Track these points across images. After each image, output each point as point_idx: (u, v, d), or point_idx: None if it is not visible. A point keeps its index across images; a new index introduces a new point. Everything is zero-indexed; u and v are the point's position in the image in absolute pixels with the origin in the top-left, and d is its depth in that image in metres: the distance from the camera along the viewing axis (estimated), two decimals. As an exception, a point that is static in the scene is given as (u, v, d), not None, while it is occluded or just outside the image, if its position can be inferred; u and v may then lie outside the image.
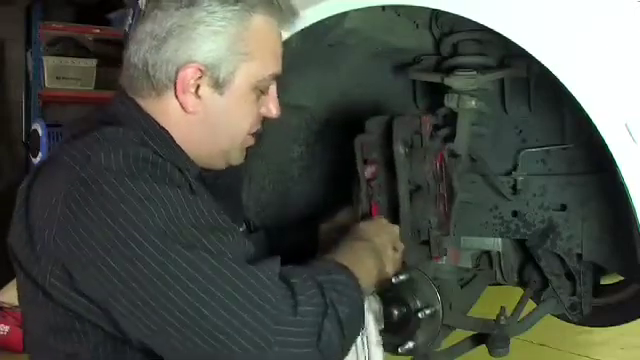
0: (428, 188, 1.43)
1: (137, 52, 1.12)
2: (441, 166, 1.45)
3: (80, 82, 4.66)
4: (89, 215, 0.96)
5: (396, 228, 1.41)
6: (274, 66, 1.19)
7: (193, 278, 0.94)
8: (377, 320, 1.27)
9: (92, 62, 4.67)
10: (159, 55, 1.10)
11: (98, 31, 4.71)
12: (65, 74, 4.65)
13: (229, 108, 1.15)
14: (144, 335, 0.97)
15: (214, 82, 1.12)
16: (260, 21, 1.14)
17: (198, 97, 1.13)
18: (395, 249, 1.37)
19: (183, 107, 1.13)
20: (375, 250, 1.29)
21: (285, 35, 1.40)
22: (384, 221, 1.41)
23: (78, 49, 4.76)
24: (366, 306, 1.16)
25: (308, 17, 1.38)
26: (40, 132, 4.18)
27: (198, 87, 1.12)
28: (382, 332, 1.27)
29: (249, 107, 1.18)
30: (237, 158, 1.24)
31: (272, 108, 1.22)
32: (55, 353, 1.06)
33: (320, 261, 1.16)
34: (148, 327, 0.96)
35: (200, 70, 1.11)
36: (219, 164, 1.23)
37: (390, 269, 1.33)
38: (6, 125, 4.90)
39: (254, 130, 1.23)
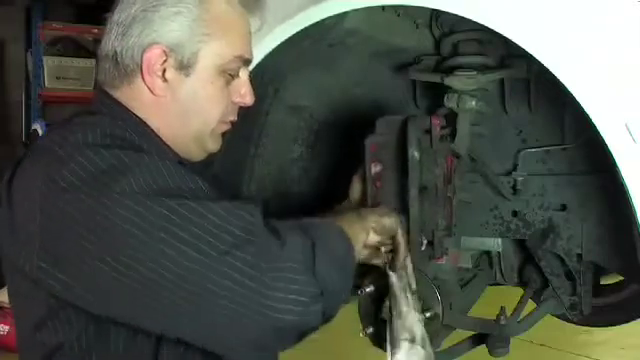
0: (436, 190, 1.42)
1: (107, 43, 1.15)
2: (450, 168, 1.44)
3: (80, 82, 4.67)
4: (67, 190, 0.97)
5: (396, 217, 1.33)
6: (240, 49, 1.19)
7: (169, 230, 0.95)
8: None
9: (92, 62, 4.67)
10: (125, 41, 1.13)
11: (98, 31, 4.71)
12: (65, 74, 4.66)
13: (196, 90, 1.16)
14: (128, 302, 0.98)
15: (179, 64, 1.14)
16: (221, 4, 1.16)
17: (165, 81, 1.14)
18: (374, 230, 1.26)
19: (151, 90, 1.14)
20: (361, 217, 1.24)
21: (286, 34, 1.41)
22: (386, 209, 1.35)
23: (78, 49, 4.77)
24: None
25: (308, 17, 1.38)
26: (40, 132, 4.19)
27: (164, 71, 1.14)
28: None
29: (217, 92, 1.18)
30: (212, 145, 1.23)
31: (245, 95, 1.22)
32: (41, 348, 1.07)
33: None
34: (132, 293, 0.96)
35: (164, 52, 1.12)
36: (196, 152, 1.22)
37: (373, 238, 1.26)
38: (6, 125, 4.90)
39: (228, 118, 1.23)
